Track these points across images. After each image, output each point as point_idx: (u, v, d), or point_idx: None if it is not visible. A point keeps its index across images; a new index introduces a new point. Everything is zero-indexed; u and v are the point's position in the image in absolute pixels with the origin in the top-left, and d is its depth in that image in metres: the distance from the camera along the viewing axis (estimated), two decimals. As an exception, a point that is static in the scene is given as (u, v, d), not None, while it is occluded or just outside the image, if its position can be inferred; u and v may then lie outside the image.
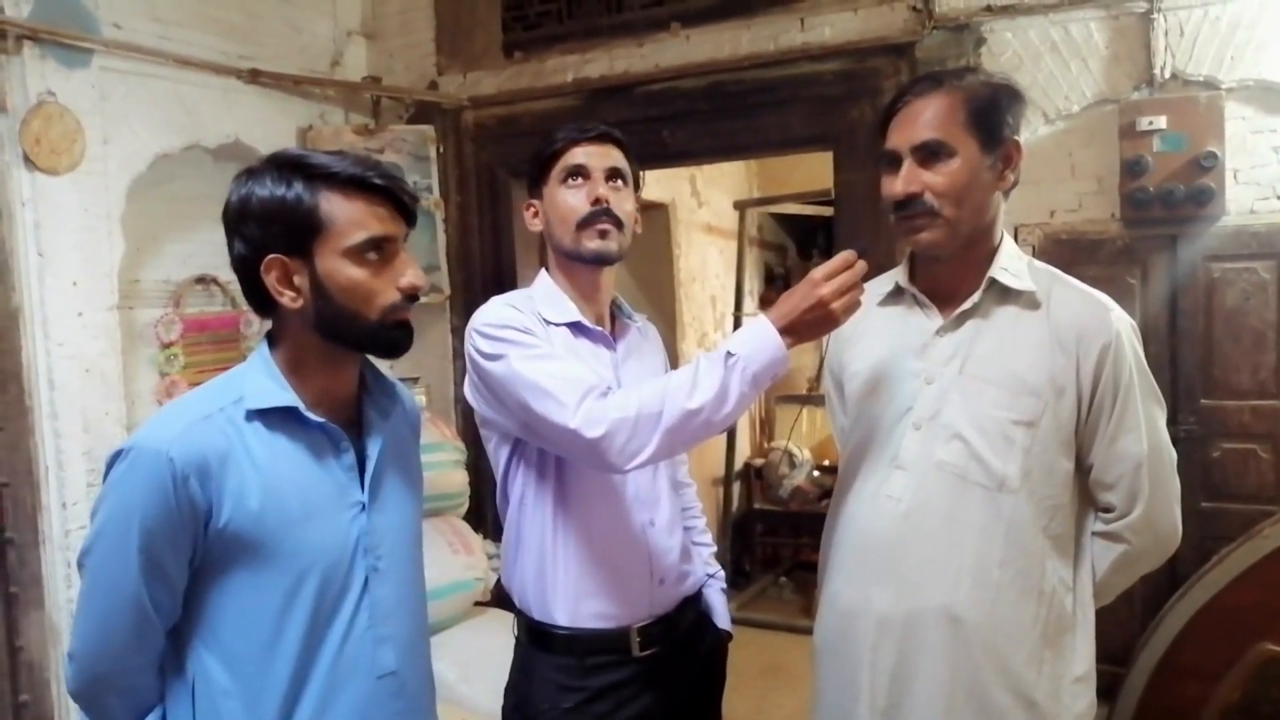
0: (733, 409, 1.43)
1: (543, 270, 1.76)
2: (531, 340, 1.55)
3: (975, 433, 1.48)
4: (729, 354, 1.43)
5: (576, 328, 1.67)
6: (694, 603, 1.78)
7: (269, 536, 1.24)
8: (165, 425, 1.23)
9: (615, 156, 1.69)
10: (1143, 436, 1.49)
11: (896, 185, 1.49)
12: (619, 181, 1.69)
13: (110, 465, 1.23)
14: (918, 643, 1.50)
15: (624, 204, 1.68)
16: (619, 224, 1.66)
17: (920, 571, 1.50)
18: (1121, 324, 1.50)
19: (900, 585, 1.51)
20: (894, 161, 1.50)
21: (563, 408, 1.45)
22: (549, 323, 1.65)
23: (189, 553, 1.23)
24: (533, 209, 1.73)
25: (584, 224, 1.64)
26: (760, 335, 1.44)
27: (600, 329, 1.70)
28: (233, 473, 1.22)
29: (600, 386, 1.48)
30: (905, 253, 1.65)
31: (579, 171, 1.66)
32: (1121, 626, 2.45)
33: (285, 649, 1.25)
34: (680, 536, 1.75)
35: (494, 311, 1.61)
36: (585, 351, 1.66)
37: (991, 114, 1.47)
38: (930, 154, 1.46)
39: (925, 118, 1.47)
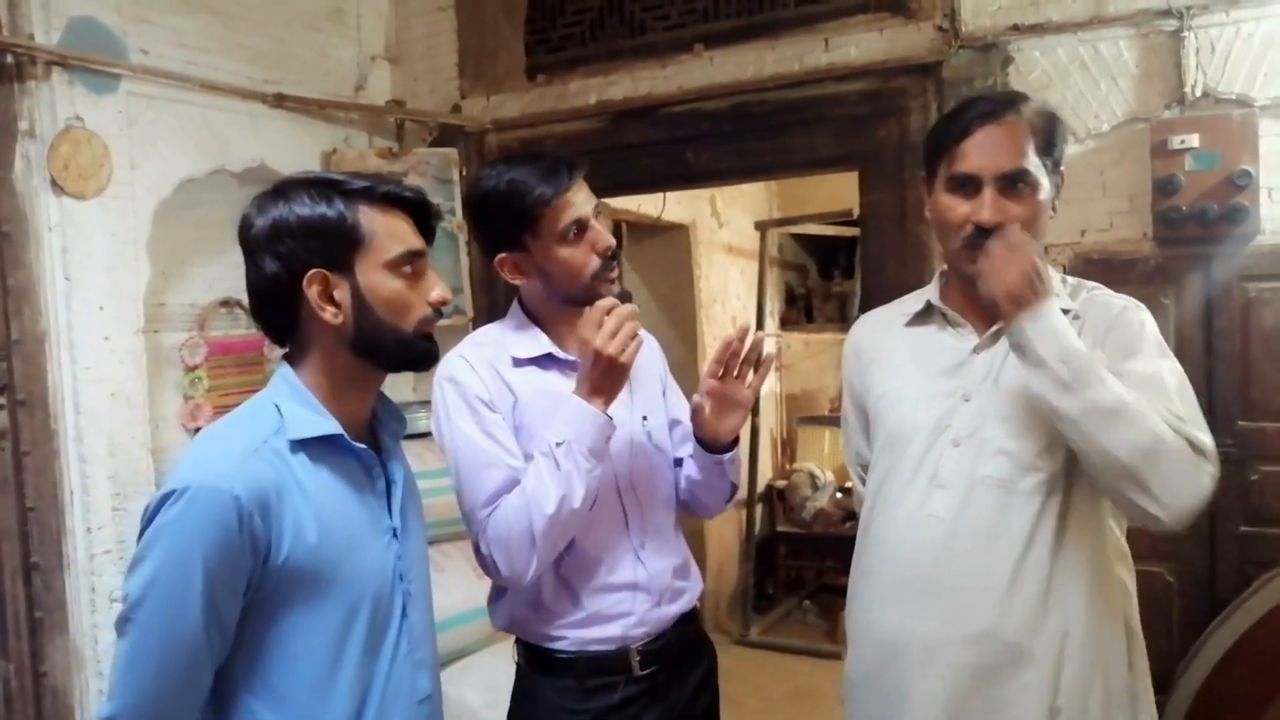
0: (586, 488, 1.50)
1: (515, 304, 1.74)
2: (479, 414, 1.58)
3: (1017, 442, 1.46)
4: (558, 444, 1.49)
5: (548, 360, 1.66)
6: (689, 620, 1.77)
7: (328, 568, 1.22)
8: (216, 461, 1.19)
9: (587, 189, 1.64)
10: (1152, 363, 1.45)
11: (983, 214, 1.44)
12: (599, 215, 1.65)
13: (157, 509, 1.17)
14: (967, 668, 1.45)
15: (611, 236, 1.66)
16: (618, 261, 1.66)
17: (964, 594, 1.46)
18: (1130, 302, 1.52)
19: (944, 610, 1.47)
20: (966, 184, 1.47)
21: (471, 519, 1.57)
22: (518, 360, 1.64)
23: (244, 590, 1.19)
24: (511, 263, 1.64)
25: (598, 275, 1.61)
26: (575, 413, 1.51)
27: (571, 358, 1.66)
28: (289, 507, 1.20)
29: (506, 488, 1.54)
30: (934, 272, 1.63)
31: (578, 226, 1.60)
32: (1160, 653, 2.38)
33: (342, 683, 1.24)
34: (674, 557, 1.74)
35: (451, 368, 1.62)
36: (554, 383, 1.64)
37: (1055, 143, 1.47)
38: (1012, 183, 1.44)
39: (1011, 145, 1.44)
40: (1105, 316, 1.50)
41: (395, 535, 1.33)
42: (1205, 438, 1.39)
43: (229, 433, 1.26)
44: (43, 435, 2.47)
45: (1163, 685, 2.30)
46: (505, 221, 1.60)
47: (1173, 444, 1.34)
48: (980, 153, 1.46)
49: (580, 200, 1.60)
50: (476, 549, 1.58)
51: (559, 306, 1.68)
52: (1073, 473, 1.45)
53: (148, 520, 1.18)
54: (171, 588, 1.14)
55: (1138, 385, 1.38)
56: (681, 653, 1.72)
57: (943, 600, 1.48)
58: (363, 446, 1.30)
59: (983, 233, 1.45)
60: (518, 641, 1.72)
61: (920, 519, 1.51)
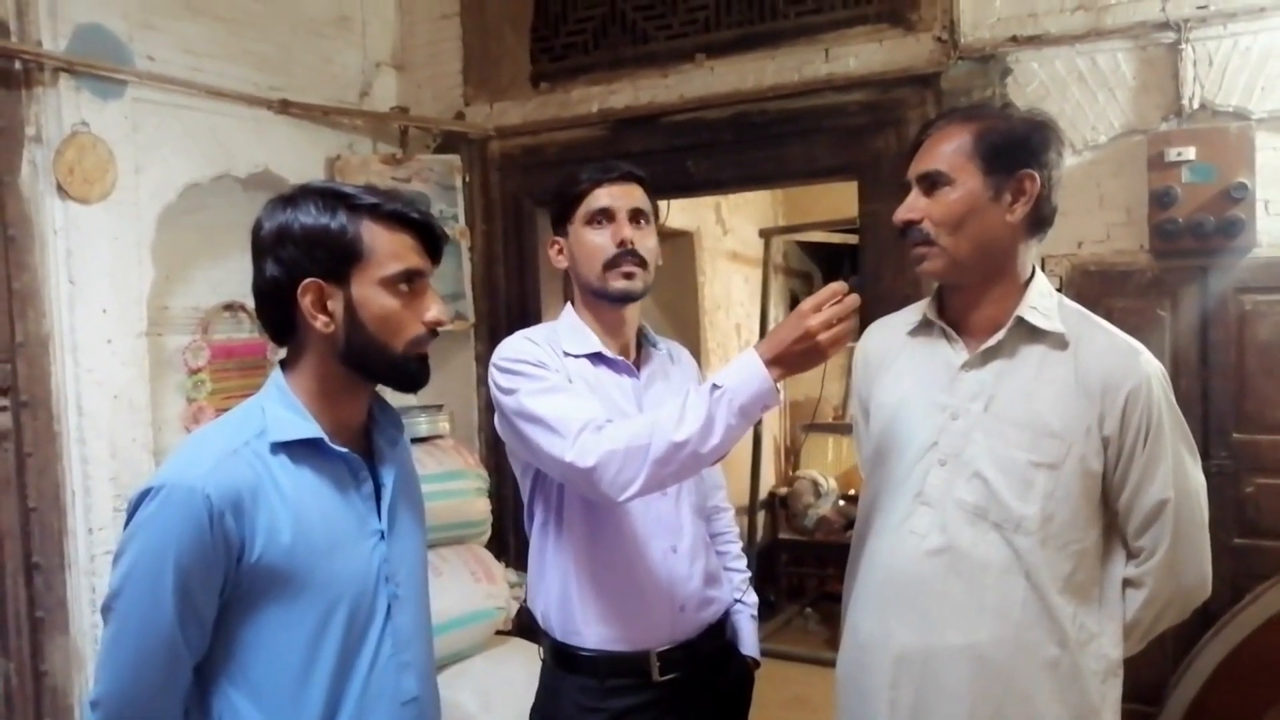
0: (720, 441, 1.45)
1: (567, 304, 1.81)
2: (541, 374, 1.61)
3: (996, 473, 1.47)
4: (715, 386, 1.45)
5: (597, 358, 1.72)
6: (719, 630, 1.79)
7: (301, 569, 1.25)
8: (194, 461, 1.23)
9: (638, 196, 1.75)
10: (1170, 483, 1.46)
11: (898, 211, 1.54)
12: (641, 221, 1.74)
13: (136, 505, 1.22)
14: (938, 682, 1.48)
15: (647, 241, 1.73)
16: (643, 264, 1.71)
17: (942, 609, 1.49)
18: (1151, 367, 1.49)
19: (922, 622, 1.50)
20: (908, 191, 1.55)
21: (561, 440, 1.51)
22: (569, 354, 1.70)
23: (220, 586, 1.23)
24: (557, 245, 1.78)
25: (610, 265, 1.69)
26: (747, 367, 1.45)
27: (621, 359, 1.74)
28: (264, 507, 1.23)
29: (599, 420, 1.52)
30: (932, 284, 1.64)
31: (604, 214, 1.71)
32: (1152, 666, 2.39)
33: (317, 681, 1.26)
34: (704, 563, 1.76)
35: (511, 346, 1.68)
36: (606, 380, 1.71)
37: (1004, 146, 1.48)
38: (931, 183, 1.50)
39: (935, 150, 1.51)
40: (1109, 364, 1.48)
41: (382, 538, 1.35)
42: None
43: (213, 434, 1.30)
44: (45, 437, 2.49)
45: (1154, 698, 2.30)
46: (558, 206, 1.77)
47: None
48: (915, 159, 1.55)
49: (616, 194, 1.72)
50: (566, 465, 1.50)
51: (592, 300, 1.75)
52: (1050, 525, 1.46)
53: (128, 515, 1.24)
54: (145, 581, 1.19)
55: (1148, 518, 1.48)
56: (708, 662, 1.73)
57: (917, 614, 1.50)
58: (345, 450, 1.32)
59: (903, 232, 1.54)
60: (545, 637, 1.75)
61: (903, 534, 1.54)
